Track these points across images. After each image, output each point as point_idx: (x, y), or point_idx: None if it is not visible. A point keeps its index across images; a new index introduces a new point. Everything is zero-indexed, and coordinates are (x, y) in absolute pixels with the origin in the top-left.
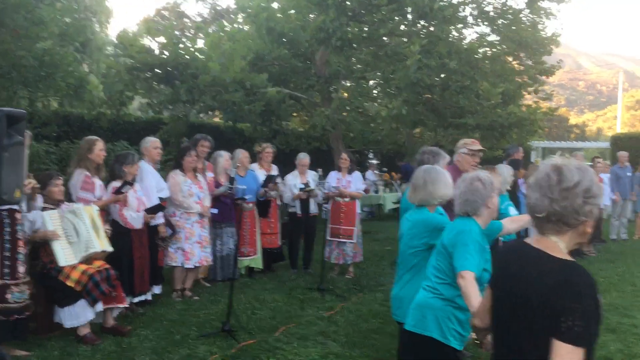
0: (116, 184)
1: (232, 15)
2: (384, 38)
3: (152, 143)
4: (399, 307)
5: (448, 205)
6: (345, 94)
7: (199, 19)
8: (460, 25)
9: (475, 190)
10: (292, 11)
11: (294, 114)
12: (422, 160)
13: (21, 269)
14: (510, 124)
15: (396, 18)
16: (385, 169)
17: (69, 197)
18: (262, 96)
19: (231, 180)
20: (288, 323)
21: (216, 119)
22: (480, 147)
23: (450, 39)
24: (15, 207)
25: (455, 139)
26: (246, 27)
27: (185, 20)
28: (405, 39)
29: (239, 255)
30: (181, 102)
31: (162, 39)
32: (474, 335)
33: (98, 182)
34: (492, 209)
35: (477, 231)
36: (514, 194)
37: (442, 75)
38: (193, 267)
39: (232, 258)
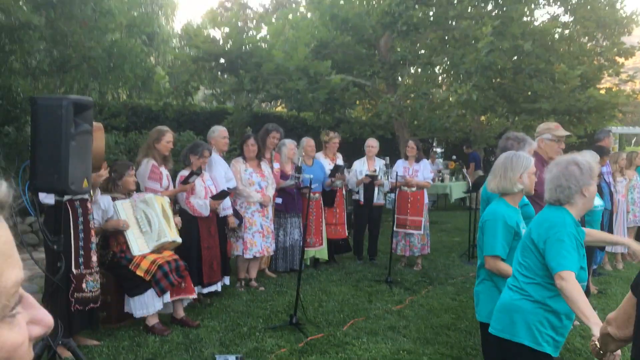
0: (184, 172)
1: (293, 5)
2: (451, 22)
3: (219, 132)
4: (477, 304)
5: (534, 197)
6: (410, 81)
7: (261, 10)
8: (532, 6)
9: (570, 174)
10: None
11: (358, 102)
12: (506, 147)
13: (94, 258)
14: (589, 109)
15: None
16: (454, 157)
17: (137, 187)
18: (326, 84)
19: (298, 169)
20: (356, 316)
21: (279, 109)
22: (566, 133)
23: (523, 20)
24: (86, 196)
25: (528, 125)
26: (309, 15)
27: (248, 11)
28: (474, 22)
29: (305, 246)
30: (245, 91)
31: (226, 29)
32: (595, 342)
33: (165, 172)
34: (587, 197)
35: (571, 223)
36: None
37: (514, 58)
38: (252, 257)
39: (296, 249)
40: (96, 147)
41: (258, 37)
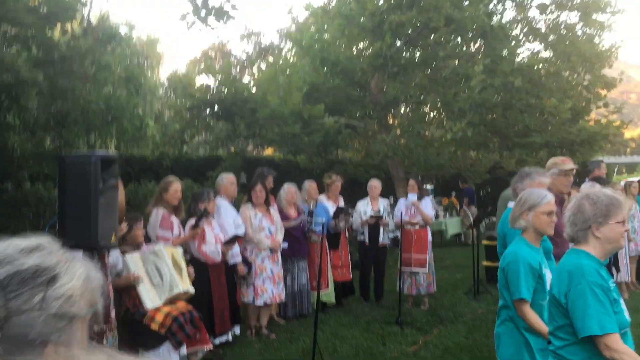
0: (191, 221)
1: (275, 51)
2: (439, 62)
3: (227, 179)
4: (498, 345)
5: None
6: (403, 120)
7: (244, 57)
8: (516, 43)
9: (579, 210)
10: (345, 40)
11: (350, 143)
12: (513, 183)
13: (112, 313)
14: (582, 141)
15: (457, 40)
16: (453, 193)
17: (146, 240)
18: (320, 127)
19: (310, 213)
20: None
21: (268, 152)
22: (572, 166)
23: (509, 57)
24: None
25: (521, 160)
26: (297, 61)
27: (232, 59)
28: (462, 60)
29: (311, 290)
30: (241, 137)
31: (219, 77)
32: None
33: (176, 221)
34: (601, 238)
35: (591, 269)
36: None
37: (505, 95)
38: (263, 304)
39: (304, 293)
40: (118, 202)
41: (252, 84)
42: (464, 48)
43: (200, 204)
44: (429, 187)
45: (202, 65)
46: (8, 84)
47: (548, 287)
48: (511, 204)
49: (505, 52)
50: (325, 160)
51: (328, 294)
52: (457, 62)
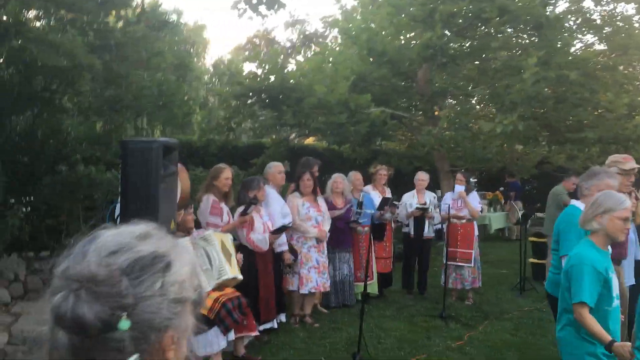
0: (240, 208)
1: (320, 39)
2: (489, 53)
3: (275, 168)
4: (560, 351)
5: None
6: (451, 112)
7: (288, 44)
8: (570, 35)
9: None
10: (392, 30)
11: (396, 134)
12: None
13: None
14: (638, 137)
15: (509, 30)
16: (502, 189)
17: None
18: (366, 117)
19: (359, 204)
20: (417, 354)
21: (309, 141)
22: (635, 165)
23: (565, 50)
24: None
25: (572, 156)
26: (343, 49)
27: (276, 46)
28: (515, 51)
29: (355, 280)
30: (288, 125)
31: (261, 66)
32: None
33: (225, 208)
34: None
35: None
36: None
37: (555, 88)
38: (308, 292)
39: (346, 284)
40: (184, 188)
41: (299, 73)
42: (517, 39)
43: (250, 191)
44: (472, 180)
45: (247, 53)
46: (65, 68)
47: (614, 293)
48: (576, 202)
49: (560, 44)
50: (369, 150)
51: (372, 285)
52: (507, 54)
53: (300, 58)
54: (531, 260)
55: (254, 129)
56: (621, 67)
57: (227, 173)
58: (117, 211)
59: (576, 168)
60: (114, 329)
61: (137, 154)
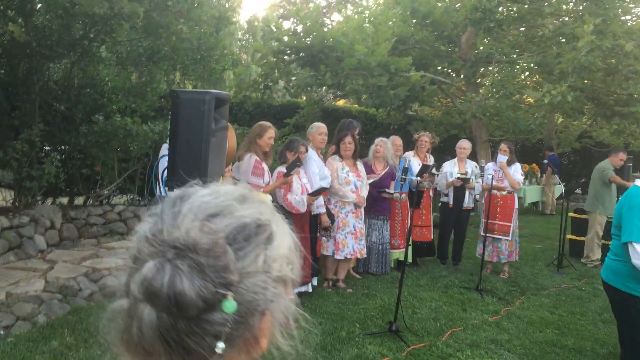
0: (281, 169)
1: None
2: (539, 19)
3: (317, 129)
4: None
5: None
6: (494, 79)
7: (323, 3)
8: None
9: None
10: None
11: (435, 99)
12: None
13: None
14: None
15: None
16: (545, 162)
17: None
18: (405, 80)
19: (405, 170)
20: (453, 326)
21: (340, 102)
22: None
23: (622, 19)
24: None
25: (618, 131)
26: (385, 9)
27: (310, 4)
28: (569, 18)
29: (390, 248)
30: (326, 86)
31: (302, 23)
32: None
33: (266, 168)
34: None
35: None
36: None
37: (607, 59)
38: (343, 258)
39: (381, 251)
40: (231, 144)
41: (340, 32)
42: (571, 5)
43: (288, 152)
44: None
45: (282, 11)
46: (104, 15)
47: None
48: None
49: (615, 13)
50: (404, 115)
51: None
52: (559, 20)
53: (336, 17)
54: (569, 236)
55: (288, 88)
56: None
57: (271, 132)
58: (162, 165)
59: (617, 145)
60: (217, 310)
61: (189, 105)
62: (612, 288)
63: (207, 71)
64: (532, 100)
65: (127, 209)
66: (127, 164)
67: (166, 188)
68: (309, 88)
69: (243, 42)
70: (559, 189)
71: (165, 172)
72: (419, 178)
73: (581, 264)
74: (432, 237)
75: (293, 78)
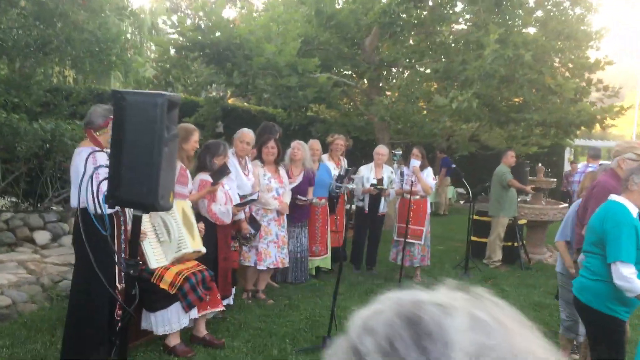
0: (203, 176)
1: None
2: (443, 25)
3: (241, 135)
4: None
5: None
6: (401, 83)
7: None
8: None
9: None
10: None
11: (340, 102)
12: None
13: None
14: (581, 122)
15: (466, 7)
16: (453, 166)
17: None
18: (313, 81)
19: (346, 171)
20: None
21: (230, 101)
22: None
23: (520, 29)
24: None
25: (512, 135)
26: (291, 8)
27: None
28: (472, 27)
29: (310, 255)
30: (233, 85)
31: (207, 18)
32: None
33: (189, 175)
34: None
35: None
36: None
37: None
38: (266, 268)
39: (300, 259)
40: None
41: (247, 30)
42: (473, 15)
43: (216, 157)
44: (398, 152)
45: (169, 5)
46: None
47: None
48: (617, 197)
49: (516, 23)
50: (305, 116)
51: (325, 260)
52: (463, 28)
53: (233, 12)
54: (472, 238)
55: (186, 85)
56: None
57: (196, 135)
58: (99, 178)
59: (501, 149)
60: None
61: (137, 109)
62: (593, 310)
63: (104, 65)
64: (436, 106)
65: (16, 217)
66: (12, 164)
67: (106, 205)
68: (209, 86)
69: (129, 36)
70: (451, 190)
71: (103, 185)
72: (334, 183)
73: (483, 265)
74: (342, 243)
75: (193, 75)
